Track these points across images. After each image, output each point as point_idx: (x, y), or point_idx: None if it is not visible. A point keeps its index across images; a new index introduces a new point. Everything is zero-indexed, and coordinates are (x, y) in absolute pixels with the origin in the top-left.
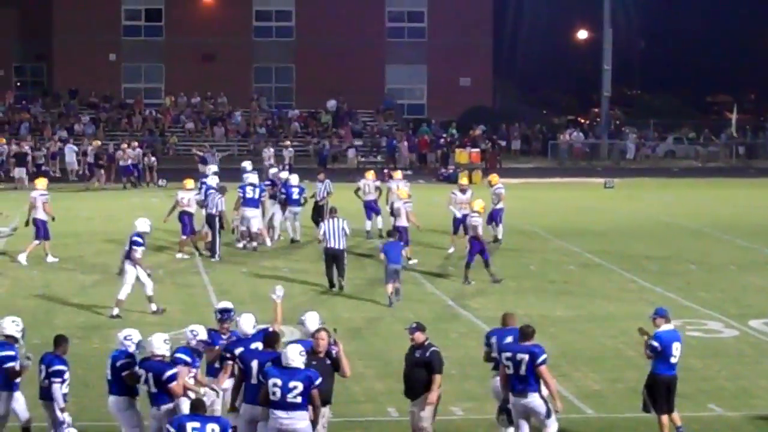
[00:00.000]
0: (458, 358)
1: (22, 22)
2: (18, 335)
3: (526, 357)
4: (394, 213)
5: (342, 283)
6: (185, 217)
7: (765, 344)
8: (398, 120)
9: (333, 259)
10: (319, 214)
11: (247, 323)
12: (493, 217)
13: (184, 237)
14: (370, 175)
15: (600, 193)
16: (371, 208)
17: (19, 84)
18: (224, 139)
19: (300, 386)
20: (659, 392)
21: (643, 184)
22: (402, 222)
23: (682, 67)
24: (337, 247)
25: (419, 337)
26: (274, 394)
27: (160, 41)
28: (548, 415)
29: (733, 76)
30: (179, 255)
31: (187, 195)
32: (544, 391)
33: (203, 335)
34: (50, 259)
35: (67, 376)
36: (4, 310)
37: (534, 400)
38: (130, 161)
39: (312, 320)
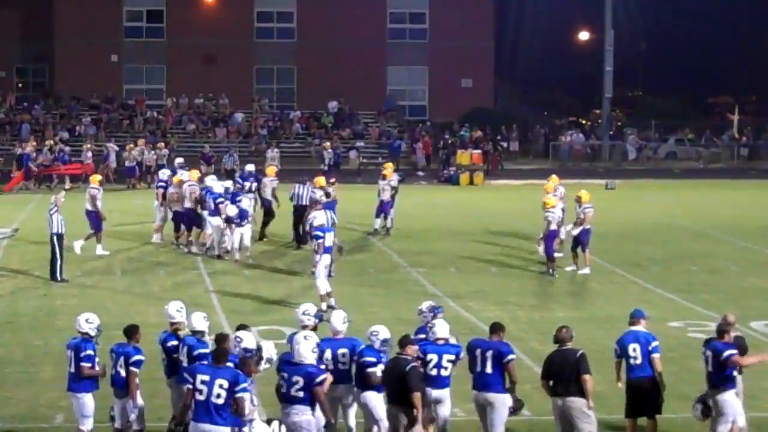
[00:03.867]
0: None
1: (24, 24)
2: (206, 329)
3: (710, 354)
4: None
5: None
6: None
7: (766, 345)
8: (400, 121)
9: None
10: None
11: (337, 319)
12: (580, 240)
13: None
14: (388, 174)
15: (601, 194)
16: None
17: (20, 85)
18: (225, 140)
19: (301, 381)
20: (627, 395)
21: (644, 186)
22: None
23: (683, 69)
24: None
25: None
26: (281, 387)
27: (162, 42)
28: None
29: (734, 77)
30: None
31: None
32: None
33: (385, 334)
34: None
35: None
36: (6, 312)
37: (721, 395)
38: (135, 162)
39: (337, 319)
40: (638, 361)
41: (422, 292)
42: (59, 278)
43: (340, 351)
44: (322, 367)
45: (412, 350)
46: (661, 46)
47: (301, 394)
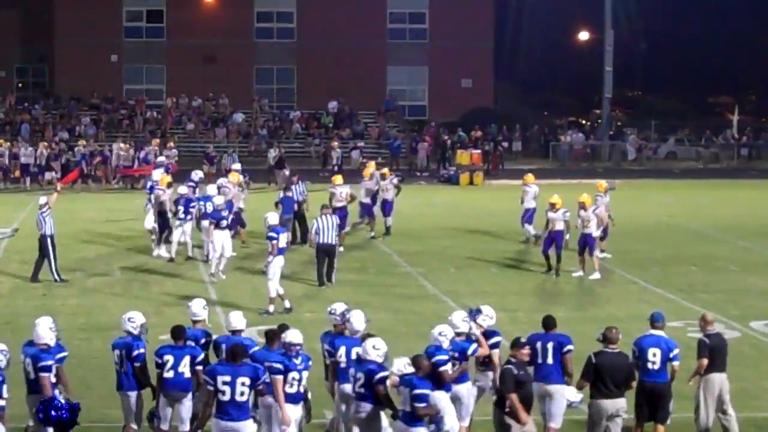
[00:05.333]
0: None
1: (24, 24)
2: (244, 327)
3: None
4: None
5: (333, 278)
6: (341, 212)
7: (766, 346)
8: (399, 122)
9: (326, 254)
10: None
11: (358, 320)
12: (589, 244)
13: (345, 231)
14: (387, 173)
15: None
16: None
17: (20, 85)
18: (225, 140)
19: (362, 378)
20: (638, 398)
21: (644, 186)
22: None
23: (683, 69)
24: (330, 242)
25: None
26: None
27: (162, 42)
28: None
29: (734, 77)
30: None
31: (343, 189)
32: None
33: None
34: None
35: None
36: (5, 312)
37: None
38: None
39: (358, 319)
40: (656, 366)
41: (422, 292)
42: (58, 279)
43: (355, 350)
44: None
45: (521, 354)
46: (661, 46)
47: (363, 390)
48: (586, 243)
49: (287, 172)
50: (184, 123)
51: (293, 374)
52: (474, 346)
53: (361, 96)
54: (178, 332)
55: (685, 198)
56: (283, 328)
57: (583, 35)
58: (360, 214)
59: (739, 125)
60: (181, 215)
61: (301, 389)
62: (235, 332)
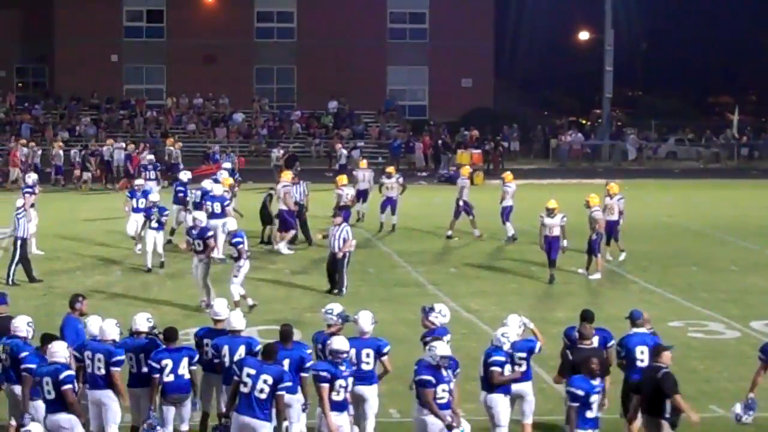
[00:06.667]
0: (460, 358)
1: (24, 24)
2: (243, 327)
3: None
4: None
5: (342, 288)
6: (345, 212)
7: None
8: (400, 121)
9: (333, 263)
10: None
11: (366, 321)
12: (592, 246)
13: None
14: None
15: (601, 194)
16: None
17: (20, 85)
18: (226, 140)
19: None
20: (628, 397)
21: (644, 186)
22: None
23: (683, 69)
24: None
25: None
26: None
27: (162, 42)
28: None
29: (734, 77)
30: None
31: (349, 191)
32: None
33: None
34: (284, 250)
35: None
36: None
37: None
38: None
39: (365, 319)
40: (644, 364)
41: (422, 292)
42: (10, 282)
43: (365, 351)
44: (344, 370)
45: (667, 357)
46: (661, 46)
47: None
48: (591, 243)
49: (298, 168)
50: (185, 123)
51: (340, 382)
52: (539, 344)
53: (361, 96)
54: (172, 334)
55: (685, 198)
56: (288, 328)
57: (583, 35)
58: (456, 214)
59: (739, 125)
60: (154, 224)
61: (348, 396)
62: (234, 332)
